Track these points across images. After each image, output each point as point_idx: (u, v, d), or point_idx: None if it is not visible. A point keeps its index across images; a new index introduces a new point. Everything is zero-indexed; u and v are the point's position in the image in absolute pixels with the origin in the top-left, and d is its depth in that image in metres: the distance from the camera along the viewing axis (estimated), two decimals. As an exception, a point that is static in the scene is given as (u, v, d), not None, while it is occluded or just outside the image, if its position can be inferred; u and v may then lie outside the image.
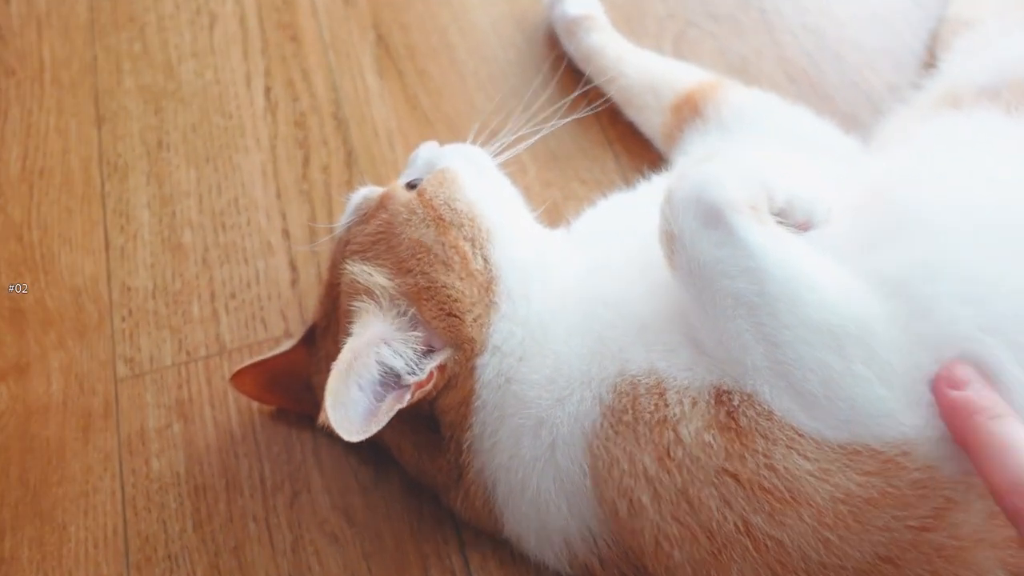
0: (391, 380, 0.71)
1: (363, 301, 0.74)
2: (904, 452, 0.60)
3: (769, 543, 0.62)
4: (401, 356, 0.71)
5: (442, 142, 0.88)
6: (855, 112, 1.04)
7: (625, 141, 1.05)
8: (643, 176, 0.94)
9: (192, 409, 0.92)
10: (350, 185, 1.05)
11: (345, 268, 0.77)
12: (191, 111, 1.13)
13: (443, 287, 0.73)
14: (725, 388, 0.64)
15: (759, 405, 0.63)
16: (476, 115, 1.06)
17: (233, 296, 0.99)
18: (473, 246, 0.75)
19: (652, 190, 0.90)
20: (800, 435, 0.61)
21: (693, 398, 0.65)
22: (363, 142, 1.08)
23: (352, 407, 0.68)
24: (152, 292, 1.00)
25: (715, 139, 0.93)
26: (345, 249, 0.80)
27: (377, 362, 0.70)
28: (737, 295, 0.63)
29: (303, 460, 0.89)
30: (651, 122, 1.02)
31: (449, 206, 0.77)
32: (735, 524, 0.63)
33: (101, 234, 1.04)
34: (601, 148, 1.05)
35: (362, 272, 0.76)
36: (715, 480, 0.63)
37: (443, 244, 0.74)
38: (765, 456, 0.62)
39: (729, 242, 0.63)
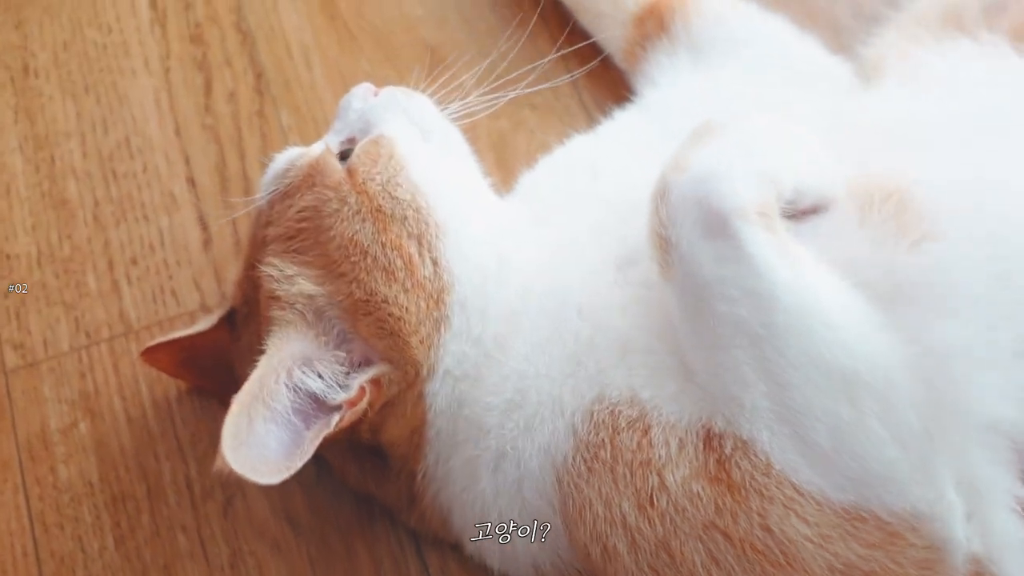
0: (310, 406, 0.60)
1: (282, 311, 0.62)
2: (912, 528, 0.54)
3: None
4: (323, 376, 0.61)
5: (371, 62, 0.74)
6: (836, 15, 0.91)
7: (583, 57, 0.90)
8: (605, 110, 0.81)
9: (99, 403, 0.81)
10: (263, 117, 0.89)
11: (263, 265, 0.65)
12: (60, 25, 0.94)
13: (383, 301, 0.61)
14: (716, 430, 0.56)
15: (755, 456, 0.55)
16: (410, 25, 0.90)
17: (135, 262, 0.85)
18: (420, 246, 0.63)
19: (616, 133, 0.78)
20: (800, 494, 0.54)
21: (680, 439, 0.57)
22: (274, 61, 0.92)
23: (261, 446, 0.57)
24: (37, 260, 0.85)
25: (685, 63, 0.81)
26: (265, 230, 0.67)
27: (290, 387, 0.59)
28: (739, 322, 0.54)
29: (234, 459, 0.79)
30: (610, 34, 0.87)
31: (388, 193, 0.64)
32: None
33: (-34, 188, 0.88)
34: (555, 66, 0.91)
35: (283, 276, 0.63)
36: (702, 535, 0.56)
37: (383, 245, 0.62)
38: (760, 516, 0.55)
39: (734, 258, 0.54)
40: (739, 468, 0.55)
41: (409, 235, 0.63)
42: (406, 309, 0.61)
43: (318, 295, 0.62)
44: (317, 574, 0.75)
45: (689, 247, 0.55)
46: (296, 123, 0.88)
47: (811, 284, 0.54)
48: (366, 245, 0.62)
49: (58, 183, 0.87)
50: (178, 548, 0.76)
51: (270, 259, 0.65)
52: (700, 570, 0.57)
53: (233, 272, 0.84)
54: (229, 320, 0.74)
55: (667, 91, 0.79)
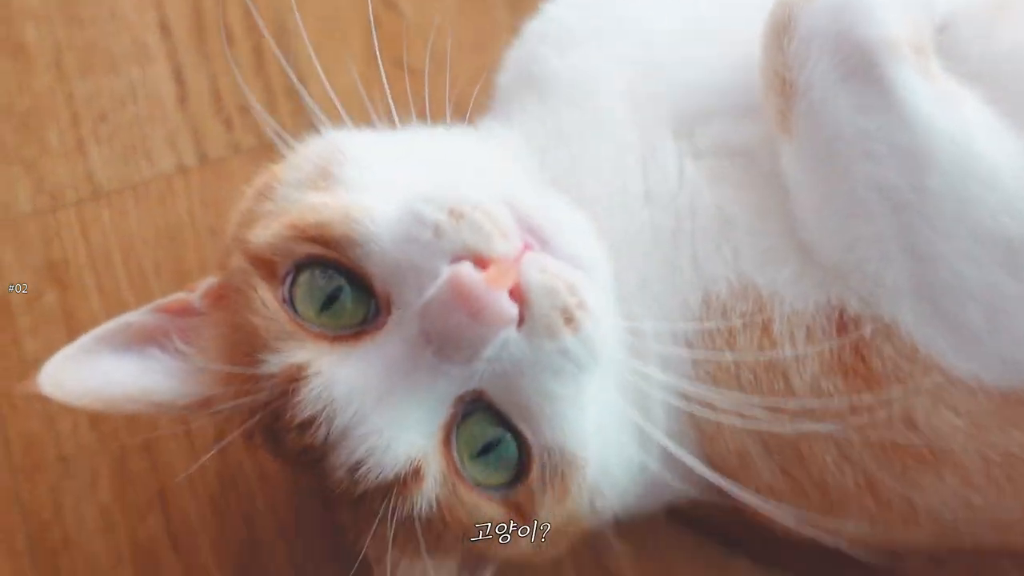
0: None
1: None
2: None
3: (895, 501, 0.51)
4: None
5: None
6: None
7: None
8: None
9: (68, 272, 0.73)
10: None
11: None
12: None
13: None
14: (851, 312, 0.49)
15: (899, 340, 0.48)
16: None
17: (103, 119, 0.76)
18: None
19: None
20: (951, 381, 0.47)
21: (808, 327, 0.49)
22: None
23: None
24: (-8, 113, 0.76)
25: None
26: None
27: None
28: (884, 186, 0.46)
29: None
30: None
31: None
32: (855, 481, 0.50)
33: (-91, 32, 0.78)
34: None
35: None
36: (835, 434, 0.50)
37: None
38: (903, 408, 0.48)
39: (882, 106, 0.46)
40: (880, 355, 0.48)
41: None
42: None
43: None
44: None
45: (824, 92, 0.47)
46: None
47: (973, 138, 0.46)
48: None
49: (15, 26, 0.77)
50: (158, 426, 0.70)
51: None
52: (832, 468, 0.51)
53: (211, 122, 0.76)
54: None
55: None
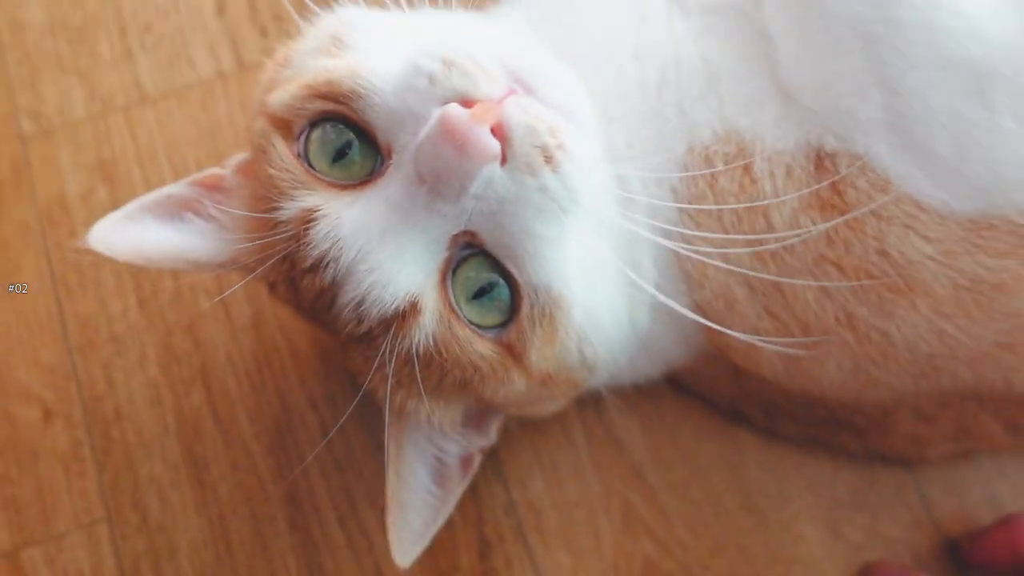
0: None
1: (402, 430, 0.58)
2: None
3: (873, 335, 0.53)
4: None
5: None
6: None
7: None
8: None
9: (117, 169, 0.79)
10: None
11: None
12: None
13: None
14: (828, 150, 0.51)
15: (872, 172, 0.50)
16: None
17: (148, 30, 0.82)
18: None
19: None
20: (922, 210, 0.50)
21: (787, 165, 0.52)
22: None
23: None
24: (50, 28, 0.82)
25: None
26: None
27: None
28: (855, 19, 0.49)
29: (254, 224, 0.77)
30: None
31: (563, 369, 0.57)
32: (835, 316, 0.53)
33: (-26, -45, 0.84)
34: None
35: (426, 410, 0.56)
36: (813, 270, 0.52)
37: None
38: (876, 239, 0.50)
39: None
40: (855, 188, 0.51)
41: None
42: None
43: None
44: (340, 337, 0.75)
45: None
46: None
47: None
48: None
49: (67, -52, 0.84)
50: (201, 309, 0.75)
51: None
52: (813, 305, 0.53)
53: (248, 31, 0.81)
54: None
55: None
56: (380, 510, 0.70)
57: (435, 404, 0.56)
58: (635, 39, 0.57)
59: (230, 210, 0.57)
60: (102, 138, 0.79)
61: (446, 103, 0.48)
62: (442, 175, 0.48)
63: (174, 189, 0.58)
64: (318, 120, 0.53)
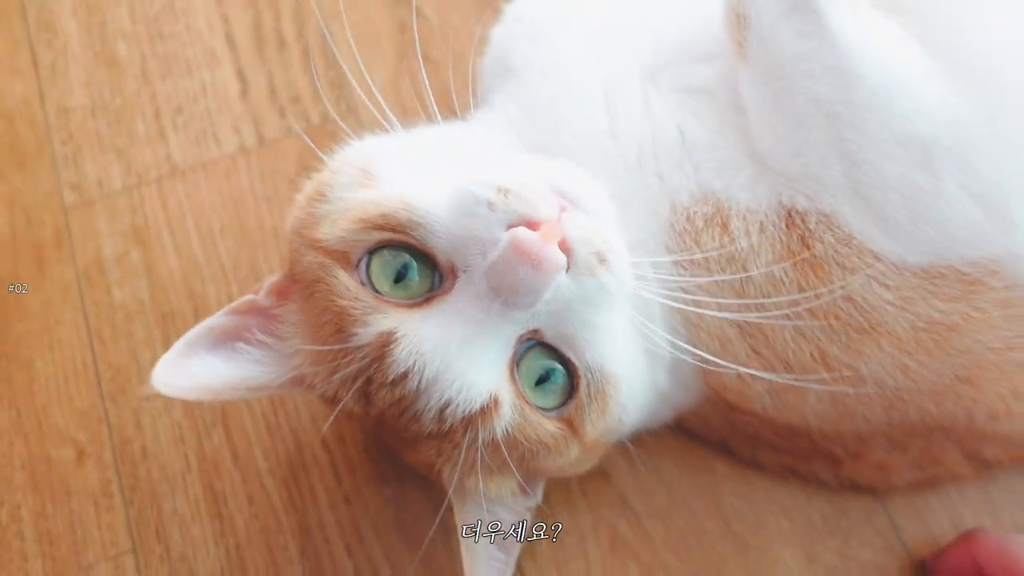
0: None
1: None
2: (991, 272, 0.56)
3: (845, 371, 0.59)
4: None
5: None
6: None
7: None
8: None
9: (149, 234, 0.87)
10: (297, -24, 0.94)
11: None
12: (109, -95, 1.01)
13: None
14: (798, 209, 0.58)
15: (838, 228, 0.57)
16: None
17: (180, 112, 0.92)
18: None
19: None
20: (880, 261, 0.56)
21: (761, 223, 0.59)
22: (306, -69, 0.98)
23: None
24: (92, 112, 0.92)
25: None
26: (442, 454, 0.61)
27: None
28: (819, 100, 0.55)
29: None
30: None
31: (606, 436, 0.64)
32: (811, 354, 0.59)
33: (27, 52, 0.95)
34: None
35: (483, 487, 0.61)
36: (788, 314, 0.58)
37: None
38: (842, 287, 0.57)
39: (817, 33, 0.54)
40: (822, 242, 0.57)
41: None
42: None
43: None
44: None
45: (771, 23, 0.55)
46: (328, -17, 0.94)
47: (890, 55, 0.54)
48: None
49: (109, 44, 0.94)
50: (222, 358, 0.82)
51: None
52: (791, 344, 0.59)
53: (266, 111, 0.90)
54: None
55: None
56: (385, 540, 0.76)
57: (498, 480, 0.61)
58: (610, 121, 0.64)
59: (287, 338, 0.61)
60: (136, 207, 0.88)
61: (509, 226, 0.54)
62: (519, 288, 0.53)
63: (215, 321, 0.61)
64: (375, 248, 0.57)
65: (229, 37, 0.94)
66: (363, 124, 0.89)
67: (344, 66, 0.89)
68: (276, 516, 0.78)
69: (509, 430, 0.57)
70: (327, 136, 0.88)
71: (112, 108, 0.92)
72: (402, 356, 0.55)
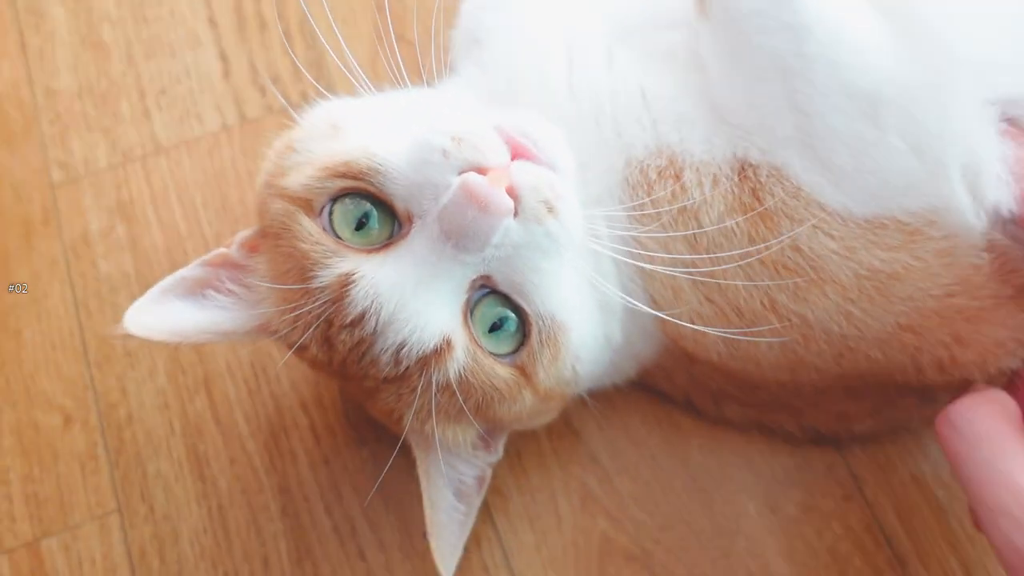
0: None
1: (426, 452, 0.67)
2: (930, 222, 0.59)
3: (793, 318, 0.62)
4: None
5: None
6: None
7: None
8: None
9: (134, 210, 0.90)
10: (277, -36, 0.97)
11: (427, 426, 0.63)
12: None
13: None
14: (751, 161, 0.60)
15: (787, 181, 0.59)
16: None
17: (163, 92, 0.94)
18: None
19: None
20: (826, 212, 0.59)
21: (714, 175, 0.61)
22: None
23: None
24: (78, 93, 0.95)
25: None
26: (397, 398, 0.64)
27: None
28: (773, 54, 0.58)
29: (253, 252, 0.88)
30: None
31: (560, 385, 0.67)
32: (760, 302, 0.62)
33: (16, 36, 0.98)
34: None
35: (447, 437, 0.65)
36: (740, 263, 0.61)
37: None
38: (790, 238, 0.59)
39: None
40: (772, 195, 0.60)
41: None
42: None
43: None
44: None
45: None
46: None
47: (840, 12, 0.57)
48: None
49: (95, 28, 0.97)
50: (204, 326, 0.85)
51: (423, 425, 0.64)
52: (743, 292, 0.62)
53: (248, 90, 0.93)
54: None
55: None
56: (362, 498, 0.79)
57: (455, 429, 0.64)
58: (569, 77, 0.67)
59: (258, 283, 0.63)
60: (121, 184, 0.91)
61: (461, 172, 0.57)
62: (467, 231, 0.56)
63: (188, 272, 0.64)
64: (337, 195, 0.60)
65: (211, 20, 0.97)
66: (342, 103, 0.92)
67: (324, 45, 0.92)
68: (257, 477, 0.81)
69: (462, 373, 0.59)
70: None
71: (98, 90, 0.95)
72: (359, 296, 0.57)
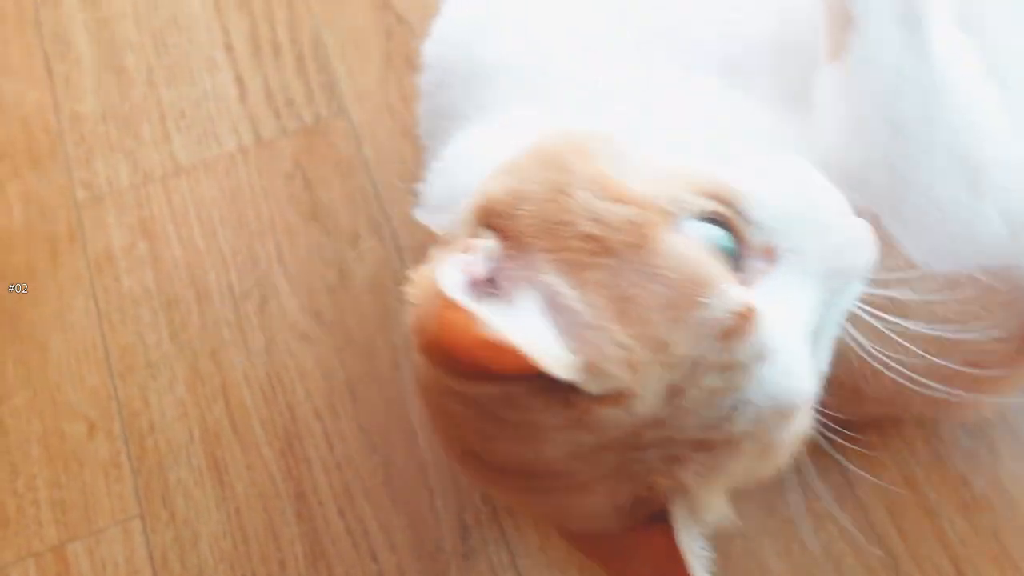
0: None
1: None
2: (1003, 279, 0.59)
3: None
4: None
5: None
6: None
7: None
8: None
9: (155, 227, 0.94)
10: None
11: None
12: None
13: None
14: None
15: (881, 230, 0.56)
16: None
17: (183, 115, 0.99)
18: None
19: None
20: (911, 266, 0.58)
21: None
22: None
23: None
24: (102, 116, 0.99)
25: None
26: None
27: None
28: (897, 112, 0.56)
29: (268, 267, 0.91)
30: None
31: None
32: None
33: (42, 63, 1.02)
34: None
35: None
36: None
37: None
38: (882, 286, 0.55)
39: (918, 49, 0.55)
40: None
41: None
42: None
43: None
44: (341, 358, 0.88)
45: (879, 28, 0.55)
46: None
47: (974, 85, 0.56)
48: None
49: (118, 55, 1.02)
50: (223, 338, 0.89)
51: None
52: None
53: (263, 112, 0.98)
54: None
55: None
56: (374, 501, 0.82)
57: None
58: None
59: None
60: (143, 202, 0.95)
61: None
62: (857, 275, 0.52)
63: None
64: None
65: (228, 46, 1.01)
66: (354, 124, 0.96)
67: (336, 69, 0.97)
68: (273, 482, 0.84)
69: None
70: (319, 135, 0.96)
71: (121, 113, 0.99)
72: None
